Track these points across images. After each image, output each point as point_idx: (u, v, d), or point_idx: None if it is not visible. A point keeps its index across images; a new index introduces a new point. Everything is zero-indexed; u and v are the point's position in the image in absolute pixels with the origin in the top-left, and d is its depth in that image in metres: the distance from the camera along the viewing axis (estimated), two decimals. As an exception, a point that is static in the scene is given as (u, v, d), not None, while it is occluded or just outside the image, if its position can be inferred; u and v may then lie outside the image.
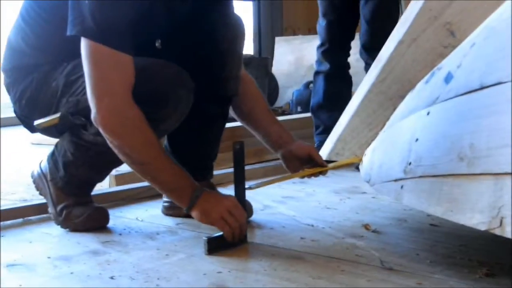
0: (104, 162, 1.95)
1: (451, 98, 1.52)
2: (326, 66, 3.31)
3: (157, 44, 1.89)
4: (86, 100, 1.76)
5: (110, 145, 1.71)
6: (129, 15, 1.71)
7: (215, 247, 1.70)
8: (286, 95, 6.29)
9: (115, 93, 1.68)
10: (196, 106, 1.89)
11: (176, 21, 1.88)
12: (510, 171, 1.25)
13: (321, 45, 3.31)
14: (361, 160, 2.04)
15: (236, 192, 1.79)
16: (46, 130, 1.98)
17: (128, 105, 1.69)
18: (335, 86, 3.33)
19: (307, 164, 1.98)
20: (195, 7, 1.90)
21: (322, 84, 3.35)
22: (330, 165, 2.03)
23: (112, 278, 1.50)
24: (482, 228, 1.29)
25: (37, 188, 2.06)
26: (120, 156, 1.72)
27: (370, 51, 3.01)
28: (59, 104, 1.90)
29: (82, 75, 1.79)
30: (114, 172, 2.47)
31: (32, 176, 2.08)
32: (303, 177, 2.00)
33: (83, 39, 1.70)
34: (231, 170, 1.83)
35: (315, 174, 1.97)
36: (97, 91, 1.69)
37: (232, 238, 1.72)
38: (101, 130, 1.70)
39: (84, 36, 1.69)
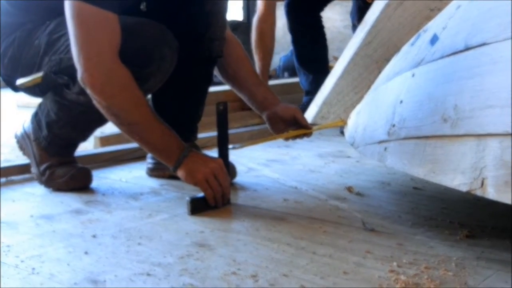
0: (87, 122, 1.94)
1: (436, 59, 1.51)
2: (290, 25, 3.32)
3: (141, 7, 1.87)
4: (69, 58, 1.73)
5: (98, 105, 1.68)
6: None
7: (198, 207, 1.70)
8: (274, 61, 6.25)
9: (103, 52, 1.66)
10: (180, 67, 1.88)
11: None
12: (492, 132, 1.25)
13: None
14: (345, 122, 2.04)
15: (220, 153, 1.79)
16: (29, 90, 1.96)
17: (116, 64, 1.67)
18: (304, 48, 3.34)
19: (292, 126, 1.97)
20: None
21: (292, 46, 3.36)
22: (315, 127, 2.03)
23: (94, 236, 1.50)
24: (464, 189, 1.30)
25: (21, 148, 2.05)
26: (108, 117, 1.70)
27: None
28: (41, 62, 1.89)
29: (65, 34, 1.77)
30: (98, 133, 2.47)
31: (16, 137, 2.07)
32: (287, 138, 2.00)
33: (67, 0, 1.67)
34: (216, 133, 1.82)
35: (300, 136, 1.97)
36: (83, 50, 1.66)
37: (214, 201, 1.72)
38: (88, 90, 1.67)
39: None
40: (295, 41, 3.39)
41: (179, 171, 1.72)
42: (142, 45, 1.76)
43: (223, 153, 1.80)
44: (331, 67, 2.46)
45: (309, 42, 3.36)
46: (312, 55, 3.34)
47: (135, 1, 1.85)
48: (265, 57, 3.29)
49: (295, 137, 1.98)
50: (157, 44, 1.78)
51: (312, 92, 2.97)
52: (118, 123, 1.71)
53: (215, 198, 1.72)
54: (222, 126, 1.78)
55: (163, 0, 1.87)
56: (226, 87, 2.21)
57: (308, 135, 1.98)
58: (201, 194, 1.73)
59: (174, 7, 1.88)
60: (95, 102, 1.69)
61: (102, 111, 1.69)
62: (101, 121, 1.91)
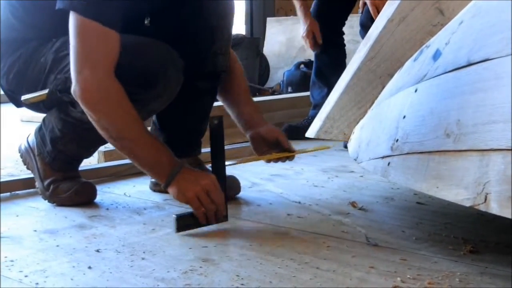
0: (92, 139, 1.94)
1: (439, 75, 1.52)
2: None
3: (146, 22, 1.88)
4: None
5: (90, 119, 1.69)
6: None
7: (185, 225, 1.66)
8: (277, 75, 6.28)
9: (96, 66, 1.66)
10: (185, 81, 1.88)
11: None
12: (495, 147, 1.26)
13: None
14: (328, 148, 2.07)
15: (214, 169, 1.74)
16: (33, 106, 1.97)
17: (108, 79, 1.66)
18: (324, 63, 3.38)
19: (275, 148, 1.95)
20: None
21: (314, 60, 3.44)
22: (297, 150, 2.01)
23: (98, 251, 1.50)
24: (467, 204, 1.30)
25: (24, 162, 2.06)
26: (99, 130, 1.70)
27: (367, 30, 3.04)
28: (47, 80, 1.89)
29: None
30: (102, 148, 2.47)
31: (20, 151, 2.07)
32: (269, 160, 1.97)
33: (71, 14, 1.68)
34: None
35: (282, 159, 1.96)
36: (78, 64, 1.66)
37: (205, 219, 1.68)
38: (80, 103, 1.68)
39: (72, 10, 1.67)
40: (317, 54, 3.43)
41: (170, 188, 1.69)
42: (148, 66, 1.76)
43: (218, 169, 1.74)
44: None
45: (329, 59, 3.41)
46: (331, 71, 3.35)
47: (139, 16, 1.86)
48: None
49: (277, 160, 1.96)
50: (162, 65, 1.79)
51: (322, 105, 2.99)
52: (108, 137, 1.70)
53: (207, 216, 1.68)
54: (217, 141, 1.73)
55: (168, 15, 1.88)
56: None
57: (290, 158, 1.97)
58: (189, 211, 1.69)
59: (179, 21, 1.89)
60: (87, 115, 1.69)
61: (94, 124, 1.69)
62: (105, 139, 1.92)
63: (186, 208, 1.86)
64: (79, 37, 1.67)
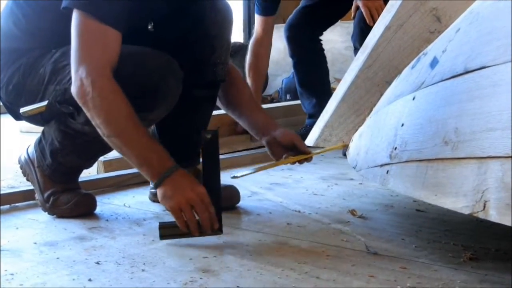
0: (92, 151, 1.95)
1: (436, 82, 1.52)
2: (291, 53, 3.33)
3: (149, 27, 1.89)
4: None
5: (87, 115, 1.69)
6: None
7: (169, 233, 1.65)
8: (275, 83, 6.28)
9: (92, 63, 1.66)
10: (184, 91, 1.88)
11: (168, 4, 1.88)
12: (493, 155, 1.26)
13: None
14: (345, 146, 2.05)
15: (206, 184, 1.67)
16: (32, 118, 1.96)
17: (105, 77, 1.66)
18: (304, 72, 3.35)
19: (291, 151, 1.96)
20: None
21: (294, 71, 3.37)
22: (314, 152, 2.03)
23: (98, 263, 1.50)
24: (466, 212, 1.30)
25: (24, 173, 2.06)
26: (96, 129, 1.69)
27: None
28: (45, 91, 1.89)
29: (70, 63, 1.79)
30: (102, 158, 2.47)
31: (19, 162, 2.07)
32: (287, 164, 1.99)
33: (75, 12, 1.69)
34: (221, 156, 1.81)
35: (300, 161, 1.97)
36: (76, 61, 1.67)
37: (187, 228, 1.64)
38: (76, 99, 1.68)
39: (77, 8, 1.68)
40: (297, 66, 3.41)
41: (158, 190, 1.66)
42: (147, 76, 1.76)
43: (212, 187, 1.68)
44: (333, 89, 2.47)
45: (311, 67, 3.38)
46: (315, 79, 3.35)
47: (143, 21, 1.87)
48: (258, 79, 3.30)
49: (294, 162, 1.97)
50: (162, 75, 1.79)
51: (316, 115, 2.97)
52: (102, 135, 1.69)
53: (190, 227, 1.64)
54: (210, 157, 1.68)
55: (170, 23, 1.89)
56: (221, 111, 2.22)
57: (308, 160, 1.98)
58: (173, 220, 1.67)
59: (180, 30, 1.90)
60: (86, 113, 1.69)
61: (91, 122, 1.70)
62: (106, 150, 1.93)
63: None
64: (78, 34, 1.68)
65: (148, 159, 1.67)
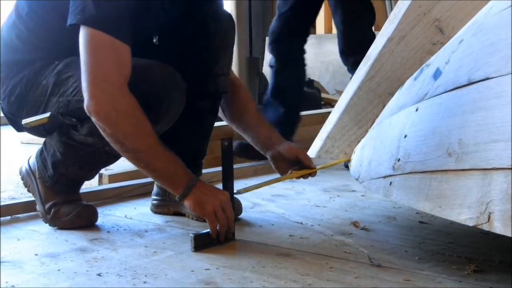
0: (95, 162, 1.94)
1: (439, 94, 1.52)
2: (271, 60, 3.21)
3: (154, 40, 1.89)
4: (77, 101, 1.76)
5: (103, 133, 1.69)
6: (130, 6, 1.71)
7: (201, 244, 1.69)
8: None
9: (110, 80, 1.67)
10: (186, 102, 1.88)
11: (171, 17, 1.89)
12: (497, 166, 1.25)
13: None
14: (349, 159, 2.05)
15: (225, 189, 1.78)
16: (34, 129, 1.96)
17: (122, 92, 1.67)
18: (284, 80, 3.23)
19: (295, 165, 1.96)
20: (188, 4, 1.92)
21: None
22: (318, 166, 2.02)
23: (99, 275, 1.49)
24: (470, 223, 1.29)
25: (25, 184, 2.05)
26: (113, 144, 1.70)
27: (345, 56, 2.99)
28: (48, 103, 1.89)
29: (73, 75, 1.79)
30: (103, 170, 2.47)
31: (21, 173, 2.06)
32: (292, 179, 1.99)
33: (82, 28, 1.69)
34: (220, 168, 1.82)
35: (304, 176, 1.97)
36: (92, 78, 1.67)
37: (217, 234, 1.71)
38: (93, 118, 1.68)
39: (85, 24, 1.68)
40: (276, 75, 3.20)
41: (187, 200, 1.72)
42: (152, 88, 1.77)
43: (228, 189, 1.79)
44: (335, 101, 2.46)
45: (290, 76, 3.17)
46: (290, 90, 3.19)
47: (147, 35, 1.87)
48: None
49: (299, 177, 1.96)
50: (166, 87, 1.79)
51: (278, 125, 2.87)
52: (123, 151, 1.71)
53: (219, 231, 1.71)
54: (227, 162, 1.78)
55: (175, 34, 1.89)
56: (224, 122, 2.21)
57: (312, 174, 1.97)
58: (204, 231, 1.73)
59: (183, 40, 1.90)
60: (100, 130, 1.69)
61: (107, 138, 1.70)
62: (109, 161, 1.93)
63: (187, 230, 1.86)
64: (91, 50, 1.68)
65: (174, 171, 1.73)
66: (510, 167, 1.23)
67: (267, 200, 2.30)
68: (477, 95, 1.36)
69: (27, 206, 2.08)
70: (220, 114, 2.08)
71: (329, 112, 2.43)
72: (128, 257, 1.63)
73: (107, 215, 2.08)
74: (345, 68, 3.26)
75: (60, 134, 1.88)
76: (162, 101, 1.79)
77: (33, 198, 2.03)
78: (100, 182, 2.54)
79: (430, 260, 1.57)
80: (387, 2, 6.23)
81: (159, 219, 2.03)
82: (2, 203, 2.10)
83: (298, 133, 3.27)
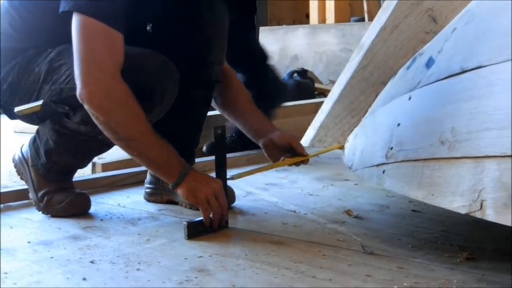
0: (87, 150, 1.94)
1: (432, 82, 1.52)
2: None
3: (148, 28, 1.89)
4: (70, 89, 1.75)
5: (96, 121, 1.68)
6: None
7: (195, 232, 1.69)
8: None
9: (103, 68, 1.66)
10: (180, 91, 1.88)
11: (165, 5, 1.88)
12: (490, 154, 1.26)
13: None
14: (341, 147, 2.05)
15: (218, 177, 1.79)
16: (27, 117, 1.95)
17: (115, 80, 1.67)
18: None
19: (288, 153, 1.96)
20: None
21: None
22: (311, 153, 2.03)
23: (92, 262, 1.49)
24: (463, 211, 1.30)
25: (18, 172, 2.04)
26: (106, 132, 1.70)
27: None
28: (40, 90, 1.88)
29: (66, 63, 1.78)
30: (96, 159, 2.47)
31: (13, 160, 2.06)
32: (284, 166, 1.99)
33: (75, 15, 1.68)
34: (213, 158, 1.82)
35: (297, 163, 1.97)
36: (84, 65, 1.66)
37: (210, 222, 1.72)
38: (86, 106, 1.67)
39: (77, 11, 1.67)
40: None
41: (180, 188, 1.72)
42: (145, 77, 1.76)
43: (222, 177, 1.79)
44: (328, 91, 2.44)
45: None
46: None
47: (141, 22, 1.86)
48: None
49: (291, 164, 1.97)
50: (159, 76, 1.79)
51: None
52: (116, 138, 1.71)
53: (212, 219, 1.72)
54: (220, 150, 1.79)
55: (168, 22, 1.89)
56: (217, 111, 2.21)
57: (305, 162, 1.98)
58: (198, 219, 1.73)
59: (178, 29, 1.90)
60: (93, 118, 1.69)
61: (100, 126, 1.69)
62: (102, 149, 1.92)
63: (181, 218, 1.86)
64: (83, 38, 1.67)
65: (167, 160, 1.73)
66: (502, 155, 1.23)
67: (260, 188, 2.30)
68: (470, 83, 1.37)
69: (20, 194, 2.08)
70: (212, 102, 2.08)
71: (322, 102, 2.44)
72: (121, 244, 1.63)
73: (100, 204, 2.08)
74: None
75: (53, 122, 1.88)
76: (155, 90, 1.79)
77: (26, 186, 2.03)
78: (93, 171, 2.54)
79: (423, 248, 1.58)
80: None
81: (152, 208, 2.03)
82: (-6, 191, 2.10)
83: (292, 122, 3.28)
